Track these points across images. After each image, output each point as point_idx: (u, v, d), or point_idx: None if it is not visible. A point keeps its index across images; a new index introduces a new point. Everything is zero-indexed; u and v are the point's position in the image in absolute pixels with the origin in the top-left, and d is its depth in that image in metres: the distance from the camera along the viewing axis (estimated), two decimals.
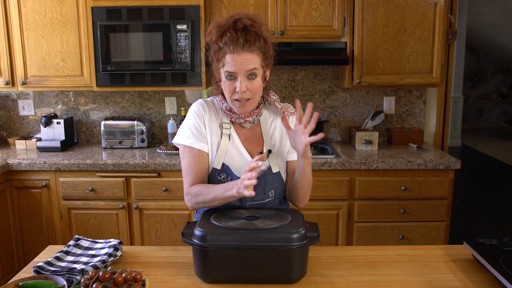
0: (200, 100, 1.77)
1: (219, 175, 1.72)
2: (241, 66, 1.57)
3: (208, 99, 1.79)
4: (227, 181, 1.71)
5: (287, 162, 1.80)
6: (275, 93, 1.82)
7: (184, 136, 1.72)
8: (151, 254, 1.71)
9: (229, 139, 1.73)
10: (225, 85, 1.63)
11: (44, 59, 3.18)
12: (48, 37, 3.15)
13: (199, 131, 1.71)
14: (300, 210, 1.90)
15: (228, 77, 1.61)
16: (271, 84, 3.38)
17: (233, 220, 1.53)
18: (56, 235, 3.12)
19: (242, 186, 1.48)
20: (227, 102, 1.71)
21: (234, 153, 1.73)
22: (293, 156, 1.79)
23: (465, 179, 6.14)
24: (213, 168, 1.72)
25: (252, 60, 1.58)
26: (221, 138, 1.72)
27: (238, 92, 1.59)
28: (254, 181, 1.45)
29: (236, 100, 1.63)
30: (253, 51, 1.58)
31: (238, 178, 1.66)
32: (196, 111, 1.73)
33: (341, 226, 3.05)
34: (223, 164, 1.71)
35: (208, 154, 1.73)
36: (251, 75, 1.59)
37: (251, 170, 1.47)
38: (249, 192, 1.46)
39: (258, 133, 1.77)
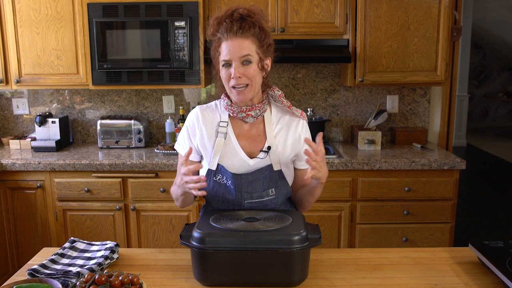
0: (197, 106, 1.79)
1: (214, 175, 1.70)
2: (235, 52, 1.59)
3: (209, 103, 1.81)
4: (223, 182, 1.70)
5: (295, 169, 1.80)
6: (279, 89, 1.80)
7: (178, 142, 1.81)
8: (149, 256, 1.71)
9: (225, 138, 1.71)
10: (221, 73, 1.64)
11: (39, 56, 3.13)
12: (43, 34, 3.10)
13: (187, 140, 1.76)
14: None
15: (224, 65, 1.62)
16: (272, 82, 3.34)
17: (232, 222, 1.52)
18: (51, 237, 3.08)
19: (185, 185, 1.55)
20: (228, 99, 1.72)
21: (230, 152, 1.70)
22: (303, 165, 1.79)
23: (470, 179, 6.08)
24: (209, 169, 1.71)
25: (245, 46, 1.60)
26: (217, 137, 1.71)
27: (233, 78, 1.60)
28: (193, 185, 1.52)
29: (233, 87, 1.62)
30: (246, 37, 1.60)
31: (234, 178, 1.68)
32: (189, 120, 1.78)
33: (343, 228, 3.01)
34: (218, 164, 1.70)
35: (195, 162, 1.77)
36: (245, 61, 1.60)
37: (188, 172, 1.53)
38: (196, 192, 1.52)
39: (261, 130, 1.74)
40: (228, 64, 1.61)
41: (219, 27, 1.61)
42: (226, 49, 1.59)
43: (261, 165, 1.69)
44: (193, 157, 1.76)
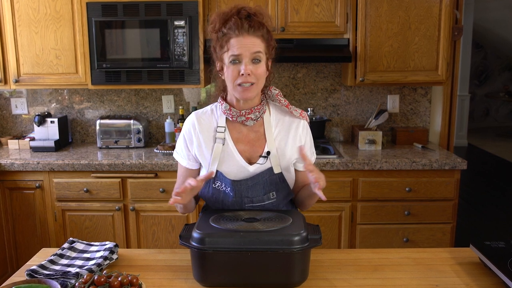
0: (193, 113, 1.76)
1: (213, 182, 1.68)
2: (247, 49, 1.56)
3: (204, 108, 1.77)
4: (222, 188, 1.67)
5: (296, 171, 1.77)
6: (275, 88, 1.78)
7: (176, 151, 1.78)
8: (148, 257, 1.70)
9: (223, 144, 1.68)
10: (228, 70, 1.59)
11: (38, 56, 3.12)
12: (41, 33, 3.09)
13: (185, 149, 1.73)
14: (302, 211, 1.86)
15: (233, 61, 1.58)
16: (272, 82, 3.33)
17: (232, 222, 1.51)
18: (50, 238, 3.06)
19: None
20: (226, 103, 1.68)
21: (228, 158, 1.67)
22: (304, 167, 1.76)
23: (472, 179, 6.07)
24: None
25: (257, 43, 1.58)
26: (215, 143, 1.68)
27: (242, 75, 1.56)
28: (178, 198, 1.49)
29: (239, 85, 1.58)
30: (257, 36, 1.58)
31: (233, 185, 1.65)
32: (185, 128, 1.74)
33: (344, 228, 2.99)
34: (217, 171, 1.67)
35: (195, 170, 1.75)
36: (255, 59, 1.58)
37: (182, 190, 1.49)
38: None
39: (261, 134, 1.70)
40: (237, 60, 1.57)
41: (226, 23, 1.57)
42: (237, 45, 1.55)
43: (261, 169, 1.67)
44: (192, 165, 1.73)
